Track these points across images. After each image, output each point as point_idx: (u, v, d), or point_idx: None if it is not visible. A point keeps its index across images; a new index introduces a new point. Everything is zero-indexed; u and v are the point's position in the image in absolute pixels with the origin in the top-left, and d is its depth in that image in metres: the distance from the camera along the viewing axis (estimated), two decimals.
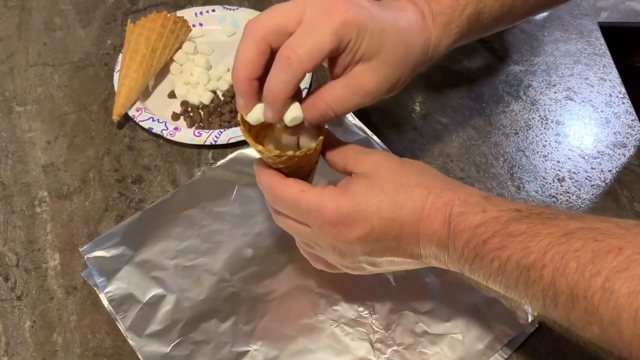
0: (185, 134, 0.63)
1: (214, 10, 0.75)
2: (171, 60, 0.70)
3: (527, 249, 0.36)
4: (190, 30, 0.71)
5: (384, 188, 0.41)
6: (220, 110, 0.66)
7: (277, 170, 0.44)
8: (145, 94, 0.68)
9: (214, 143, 0.63)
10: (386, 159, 0.44)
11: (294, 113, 0.42)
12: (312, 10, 0.40)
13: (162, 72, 0.70)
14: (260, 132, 0.46)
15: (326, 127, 0.46)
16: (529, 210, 0.39)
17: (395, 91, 0.45)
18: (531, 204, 0.40)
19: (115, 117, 0.64)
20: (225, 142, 0.63)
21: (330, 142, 0.46)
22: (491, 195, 0.41)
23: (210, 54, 0.72)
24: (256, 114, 0.42)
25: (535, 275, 0.36)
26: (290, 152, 0.42)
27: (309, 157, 0.44)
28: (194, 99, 0.67)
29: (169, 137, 0.63)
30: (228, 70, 0.70)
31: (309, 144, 0.45)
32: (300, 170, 0.45)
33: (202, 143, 0.63)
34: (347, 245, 0.42)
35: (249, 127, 0.44)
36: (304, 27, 0.40)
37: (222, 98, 0.68)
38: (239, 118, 0.44)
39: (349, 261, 0.44)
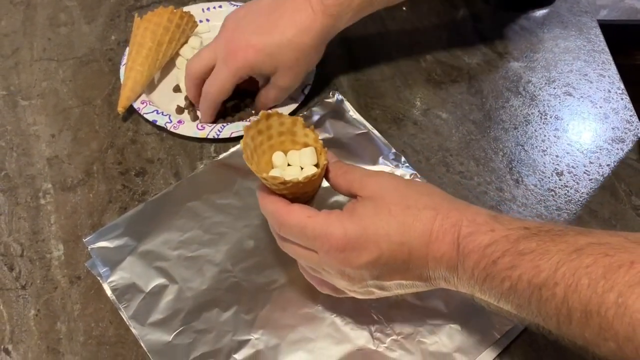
0: (189, 127, 0.64)
1: (220, 7, 0.76)
2: (177, 54, 0.71)
3: (537, 268, 0.36)
4: (197, 25, 0.72)
5: (391, 210, 0.41)
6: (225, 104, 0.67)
7: (281, 196, 0.45)
8: (151, 87, 0.69)
9: (216, 137, 0.63)
10: (391, 180, 0.44)
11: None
12: (220, 55, 0.60)
13: (168, 66, 0.71)
14: (261, 159, 0.47)
15: (328, 151, 0.47)
16: (538, 228, 0.38)
17: (309, 70, 0.64)
18: (539, 222, 0.40)
19: (120, 110, 0.64)
20: (227, 135, 0.64)
21: (333, 165, 0.46)
22: (499, 214, 0.41)
23: None
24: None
25: (548, 294, 0.35)
26: (296, 179, 0.42)
27: (314, 182, 0.44)
28: None
29: (172, 129, 0.63)
30: None
31: (310, 168, 0.46)
32: (304, 195, 0.45)
33: (204, 136, 0.63)
34: (355, 271, 0.42)
35: (251, 154, 0.45)
36: (215, 71, 0.61)
37: None
38: (241, 146, 0.45)
39: (358, 286, 0.44)
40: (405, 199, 0.42)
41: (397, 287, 0.44)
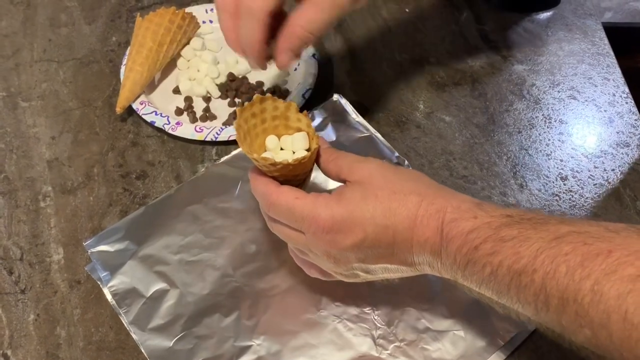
0: (187, 129, 0.63)
1: None
2: (178, 55, 0.70)
3: (518, 254, 0.36)
4: (199, 26, 0.71)
5: (378, 195, 0.42)
6: (233, 88, 0.68)
7: (272, 178, 0.45)
8: (151, 88, 0.68)
9: (214, 139, 0.63)
10: (380, 166, 0.44)
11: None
12: None
13: (169, 68, 0.70)
14: (254, 141, 0.47)
15: (320, 135, 0.47)
16: (520, 216, 0.39)
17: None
18: (522, 210, 0.41)
19: (119, 110, 0.64)
20: (225, 138, 0.63)
21: (325, 151, 0.47)
22: (484, 202, 0.42)
23: (218, 51, 0.72)
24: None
25: (527, 280, 0.36)
26: (285, 160, 0.43)
27: (304, 165, 0.44)
28: (200, 91, 0.67)
29: (170, 131, 0.63)
30: (237, 62, 0.70)
31: (301, 152, 0.46)
32: (295, 178, 0.46)
33: (202, 139, 0.63)
34: (340, 252, 0.42)
35: (243, 135, 0.45)
36: None
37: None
38: (234, 126, 0.45)
39: (343, 268, 0.45)
40: (392, 184, 0.42)
41: (382, 271, 0.44)
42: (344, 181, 0.45)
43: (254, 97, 0.46)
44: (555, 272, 0.34)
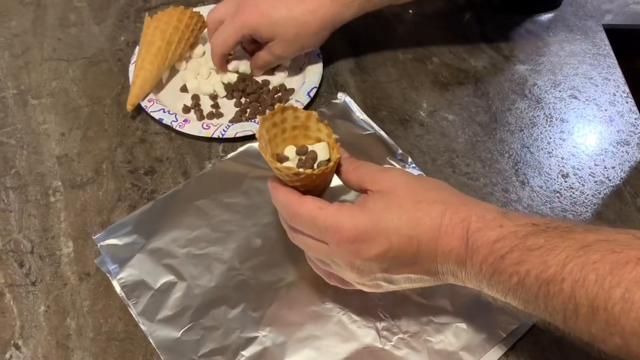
0: (194, 126, 0.64)
1: None
2: (189, 57, 0.72)
3: (545, 263, 0.36)
4: (206, 26, 0.72)
5: (402, 204, 0.42)
6: (240, 89, 0.70)
7: (293, 188, 0.45)
8: (159, 86, 0.69)
9: (221, 136, 0.64)
10: (403, 176, 0.44)
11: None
12: (230, 12, 0.66)
13: (176, 66, 0.71)
14: (275, 151, 0.47)
15: (340, 146, 0.47)
16: (546, 224, 0.39)
17: (306, 50, 0.69)
18: (548, 218, 0.41)
19: (129, 107, 0.65)
20: (232, 135, 0.64)
21: (345, 161, 0.47)
22: (508, 211, 0.42)
23: None
24: None
25: (555, 289, 0.36)
26: (309, 170, 0.43)
27: (326, 175, 0.44)
28: (207, 90, 0.69)
29: (178, 128, 0.64)
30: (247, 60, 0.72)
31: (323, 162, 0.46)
32: (315, 189, 0.46)
33: (209, 136, 0.64)
34: (365, 263, 0.42)
35: (265, 145, 0.45)
36: (222, 25, 0.67)
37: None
38: (257, 136, 0.45)
39: (366, 279, 0.44)
40: (416, 194, 0.42)
41: (405, 281, 0.44)
42: (365, 191, 0.45)
43: (276, 106, 0.47)
44: (585, 280, 0.34)
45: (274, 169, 0.45)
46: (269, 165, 0.44)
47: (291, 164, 0.47)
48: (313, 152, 0.47)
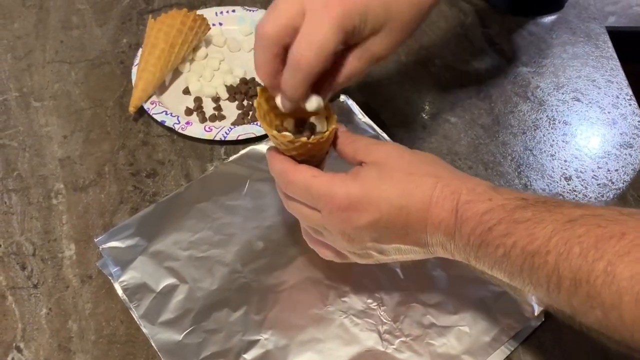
0: (197, 129, 0.64)
1: (234, 11, 0.77)
2: (192, 59, 0.72)
3: (532, 235, 0.37)
4: (209, 28, 0.72)
5: (394, 176, 0.42)
6: (242, 92, 0.69)
7: (290, 157, 0.45)
8: (161, 88, 0.69)
9: (223, 139, 0.64)
10: (397, 148, 0.45)
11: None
12: (311, 4, 0.41)
13: (179, 68, 0.72)
14: (273, 121, 0.47)
15: (338, 121, 0.47)
16: (535, 199, 0.39)
17: (409, 36, 0.47)
18: (538, 195, 0.41)
19: (132, 109, 0.65)
20: (234, 138, 0.64)
21: (342, 134, 0.47)
22: (499, 186, 0.42)
23: (223, 59, 0.74)
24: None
25: (540, 261, 0.36)
26: (304, 138, 0.43)
27: (322, 144, 0.45)
28: (210, 92, 0.69)
29: (180, 130, 0.64)
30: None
31: (321, 131, 0.46)
32: (312, 158, 0.46)
33: (211, 138, 0.64)
34: (355, 231, 0.43)
35: (263, 115, 0.46)
36: (308, 24, 0.41)
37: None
38: (255, 104, 0.45)
39: (357, 247, 0.45)
40: (409, 165, 0.43)
41: (395, 252, 0.45)
42: (360, 163, 0.45)
43: None
44: (569, 253, 0.35)
45: (271, 137, 0.45)
46: (266, 132, 0.44)
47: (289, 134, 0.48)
48: (311, 123, 0.47)
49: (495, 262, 0.40)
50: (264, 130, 0.44)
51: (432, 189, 0.41)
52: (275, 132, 0.44)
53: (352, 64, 0.45)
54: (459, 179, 0.42)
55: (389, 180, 0.42)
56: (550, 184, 0.63)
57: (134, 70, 0.69)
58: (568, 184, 0.63)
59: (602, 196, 0.62)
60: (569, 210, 0.37)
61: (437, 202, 0.41)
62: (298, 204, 0.45)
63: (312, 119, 0.48)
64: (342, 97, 0.69)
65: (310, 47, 0.41)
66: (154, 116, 0.65)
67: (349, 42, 0.43)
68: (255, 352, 0.50)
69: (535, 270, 0.37)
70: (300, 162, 0.45)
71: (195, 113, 0.67)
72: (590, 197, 0.62)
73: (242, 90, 0.69)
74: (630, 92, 0.72)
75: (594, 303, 0.34)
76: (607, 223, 0.35)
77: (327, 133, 0.44)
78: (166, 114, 0.65)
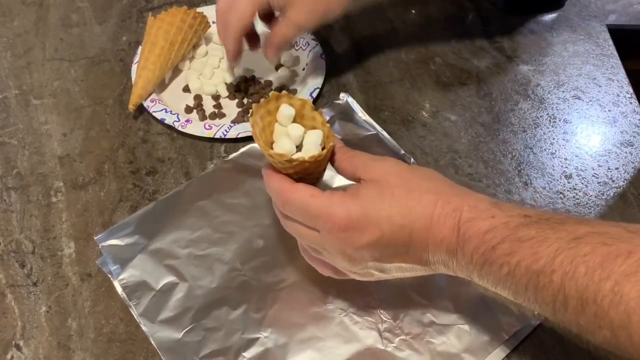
0: (196, 127, 0.64)
1: None
2: (193, 57, 0.72)
3: (536, 254, 0.36)
4: (209, 26, 0.72)
5: (394, 193, 0.41)
6: (242, 90, 0.70)
7: (286, 175, 0.45)
8: (161, 86, 0.69)
9: (223, 136, 0.64)
10: (396, 165, 0.44)
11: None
12: None
13: (179, 66, 0.71)
14: (269, 139, 0.47)
15: (335, 136, 0.47)
16: (538, 216, 0.39)
17: (330, 19, 0.62)
18: (540, 210, 0.41)
19: (131, 107, 0.65)
20: (234, 136, 0.64)
21: (339, 149, 0.47)
22: (500, 202, 0.42)
23: (223, 57, 0.73)
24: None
25: (545, 280, 0.36)
26: (302, 157, 0.43)
27: (319, 162, 0.44)
28: (210, 90, 0.68)
29: (180, 128, 0.64)
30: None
31: (316, 150, 0.46)
32: (309, 176, 0.45)
33: (211, 136, 0.64)
34: (356, 251, 0.42)
35: (259, 132, 0.45)
36: (238, 2, 0.60)
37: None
38: (250, 123, 0.45)
39: (358, 267, 0.44)
40: (408, 183, 0.42)
41: (397, 270, 0.44)
42: (358, 180, 0.45)
43: (270, 94, 0.47)
44: (575, 272, 0.34)
45: (267, 156, 0.44)
46: (263, 151, 0.44)
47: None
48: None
49: (499, 281, 0.39)
50: (260, 149, 0.44)
51: (433, 206, 0.41)
52: (271, 151, 0.43)
53: (282, 29, 0.60)
54: (459, 195, 0.42)
55: (389, 198, 0.41)
56: (551, 182, 0.63)
57: (134, 68, 0.69)
58: (568, 182, 0.63)
59: (603, 194, 0.62)
60: (572, 227, 0.36)
61: (439, 220, 0.40)
62: (296, 223, 0.45)
63: (308, 135, 0.47)
64: (343, 95, 0.68)
65: (234, 14, 0.60)
66: (154, 114, 0.65)
67: (267, 13, 0.63)
68: (254, 350, 0.50)
69: (540, 289, 0.36)
70: (297, 179, 0.45)
71: (195, 111, 0.67)
72: (591, 195, 0.62)
73: (242, 88, 0.69)
74: (631, 90, 0.72)
75: (602, 323, 0.33)
76: (613, 241, 0.34)
77: (324, 151, 0.44)
78: (166, 111, 0.65)
